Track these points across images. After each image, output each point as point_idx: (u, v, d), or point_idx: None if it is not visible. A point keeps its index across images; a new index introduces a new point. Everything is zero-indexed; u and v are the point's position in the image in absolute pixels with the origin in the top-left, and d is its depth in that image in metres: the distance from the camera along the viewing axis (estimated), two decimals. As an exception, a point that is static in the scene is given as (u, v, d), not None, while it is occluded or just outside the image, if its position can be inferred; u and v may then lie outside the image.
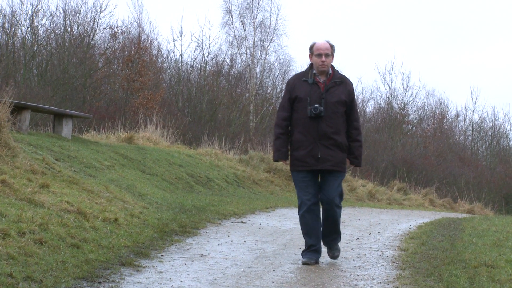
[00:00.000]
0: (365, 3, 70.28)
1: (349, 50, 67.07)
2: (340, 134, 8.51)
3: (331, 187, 8.57)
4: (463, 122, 51.37)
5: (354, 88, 8.94)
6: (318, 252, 8.71)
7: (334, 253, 8.93)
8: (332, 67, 8.65)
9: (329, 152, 8.46)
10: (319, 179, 8.65)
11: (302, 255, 8.78)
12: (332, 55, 8.59)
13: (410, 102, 48.61)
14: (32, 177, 10.65)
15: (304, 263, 8.62)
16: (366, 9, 70.64)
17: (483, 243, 10.46)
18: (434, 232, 12.20)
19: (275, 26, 45.80)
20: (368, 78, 71.93)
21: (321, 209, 8.79)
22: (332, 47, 8.60)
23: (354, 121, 8.64)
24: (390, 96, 48.50)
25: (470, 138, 51.33)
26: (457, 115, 51.14)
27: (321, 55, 8.51)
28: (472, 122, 51.08)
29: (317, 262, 8.68)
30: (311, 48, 8.61)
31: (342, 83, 8.57)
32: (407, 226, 13.63)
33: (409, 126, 48.41)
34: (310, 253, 8.68)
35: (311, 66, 8.64)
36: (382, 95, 49.36)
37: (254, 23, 45.49)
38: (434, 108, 49.97)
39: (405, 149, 42.91)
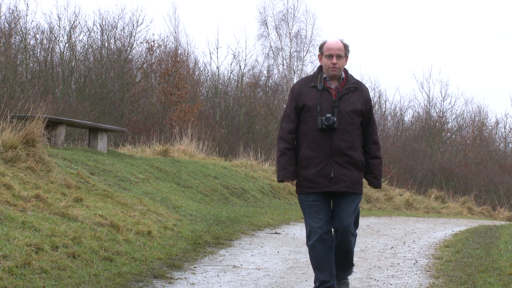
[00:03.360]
0: (401, 12, 70.08)
1: (386, 59, 66.88)
2: (356, 149, 7.21)
3: (346, 213, 7.20)
4: (503, 129, 50.84)
5: (372, 96, 7.54)
6: None
7: (341, 286, 7.42)
8: (345, 70, 7.36)
9: (343, 171, 7.14)
10: (331, 203, 7.31)
11: None
12: (346, 57, 7.28)
13: (449, 110, 48.31)
14: (66, 191, 10.76)
15: None
16: (403, 18, 70.41)
17: (519, 250, 10.36)
18: (470, 240, 12.10)
19: (311, 36, 45.74)
20: (406, 86, 71.45)
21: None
22: (346, 47, 7.27)
23: (373, 134, 7.36)
24: (428, 105, 48.21)
25: (510, 145, 50.80)
26: (497, 122, 50.65)
27: (332, 56, 7.18)
28: (513, 129, 50.53)
29: None
30: (321, 48, 7.31)
31: (357, 90, 7.26)
32: (443, 234, 13.54)
33: (448, 134, 48.09)
34: None
35: (320, 68, 7.33)
36: (420, 103, 49.12)
37: (290, 34, 45.51)
38: (473, 115, 49.57)
39: (444, 157, 42.62)
